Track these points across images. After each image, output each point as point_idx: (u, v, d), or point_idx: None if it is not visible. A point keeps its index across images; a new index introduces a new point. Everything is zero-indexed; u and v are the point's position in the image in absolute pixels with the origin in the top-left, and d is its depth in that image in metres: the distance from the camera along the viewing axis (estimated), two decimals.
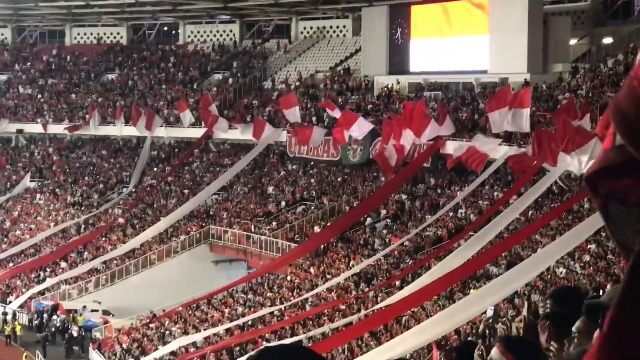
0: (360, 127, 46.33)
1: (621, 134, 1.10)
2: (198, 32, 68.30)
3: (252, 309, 42.55)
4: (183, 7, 64.15)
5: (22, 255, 53.08)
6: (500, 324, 27.09)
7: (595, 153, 30.98)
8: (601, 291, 17.88)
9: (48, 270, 51.20)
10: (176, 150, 59.51)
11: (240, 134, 54.50)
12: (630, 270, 1.03)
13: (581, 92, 42.03)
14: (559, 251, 32.32)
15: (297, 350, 2.05)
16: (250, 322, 40.96)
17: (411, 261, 39.87)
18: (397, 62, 52.55)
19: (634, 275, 1.02)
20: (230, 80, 61.64)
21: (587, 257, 32.58)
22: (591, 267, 31.58)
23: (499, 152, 40.24)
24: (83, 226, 54.57)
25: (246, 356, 30.61)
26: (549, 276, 32.34)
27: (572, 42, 48.65)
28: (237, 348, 38.36)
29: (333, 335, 36.65)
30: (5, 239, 55.15)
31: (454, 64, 49.54)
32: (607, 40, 48.03)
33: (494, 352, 4.58)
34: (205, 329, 41.84)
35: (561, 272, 32.50)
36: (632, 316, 1.03)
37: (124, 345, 42.20)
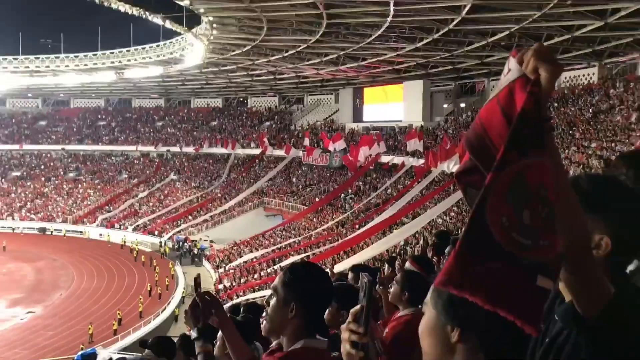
0: (340, 145, 48.76)
1: (468, 151, 1.09)
2: (258, 101, 69.34)
3: (284, 239, 42.53)
4: (251, 90, 65.69)
5: (169, 213, 52.85)
6: (408, 248, 29.10)
7: (456, 161, 33.42)
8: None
9: (182, 220, 51.09)
10: (246, 160, 60.96)
11: (278, 152, 56.07)
12: (470, 216, 0.99)
13: (450, 131, 42.11)
14: (438, 210, 32.37)
15: (311, 264, 2.09)
16: (283, 246, 40.70)
17: (363, 215, 39.60)
18: (357, 115, 54.27)
19: (471, 219, 0.98)
20: (273, 125, 63.62)
21: (453, 214, 31.83)
22: (455, 219, 30.91)
23: (409, 161, 41.13)
24: (199, 198, 54.91)
25: (287, 263, 33.23)
26: (434, 223, 31.57)
27: (445, 105, 48.51)
28: (277, 259, 37.69)
29: (324, 252, 35.44)
30: (160, 205, 55.01)
31: (386, 116, 49.34)
32: (462, 104, 48.67)
33: (407, 264, 4.40)
34: (260, 249, 41.85)
35: (440, 221, 31.78)
36: (467, 243, 0.98)
37: (220, 258, 42.51)
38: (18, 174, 63.81)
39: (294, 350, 1.91)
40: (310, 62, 46.05)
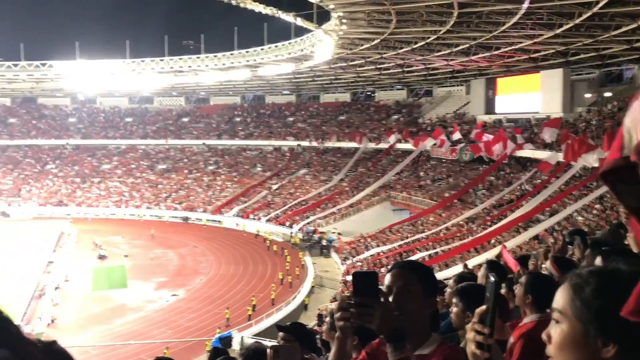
0: (456, 136, 47.80)
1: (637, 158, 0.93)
2: (385, 94, 68.64)
3: (411, 234, 41.58)
4: (379, 83, 65.69)
5: (299, 205, 53.42)
6: (543, 247, 27.97)
7: (596, 156, 31.42)
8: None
9: (311, 212, 51.41)
10: (374, 154, 59.54)
11: (406, 145, 55.54)
12: None
13: (592, 123, 40.20)
14: (577, 207, 31.23)
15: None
16: (410, 241, 39.83)
17: (496, 212, 38.57)
18: (489, 107, 52.43)
19: None
20: (401, 118, 62.94)
21: (595, 211, 30.18)
22: (597, 217, 29.11)
23: (545, 154, 38.63)
24: (327, 191, 55.25)
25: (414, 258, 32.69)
26: (573, 221, 30.11)
27: (587, 95, 45.56)
28: (404, 254, 36.68)
29: (452, 249, 34.40)
30: (291, 197, 55.66)
31: (521, 107, 47.89)
32: (607, 94, 45.25)
33: (547, 263, 4.16)
34: (387, 244, 41.24)
35: (580, 219, 30.07)
36: None
37: (347, 249, 42.54)
38: (164, 166, 69.11)
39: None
40: (440, 54, 45.11)
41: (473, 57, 44.72)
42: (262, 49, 57.56)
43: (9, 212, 58.31)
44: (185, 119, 76.07)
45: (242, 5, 37.15)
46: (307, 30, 47.38)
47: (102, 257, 41.58)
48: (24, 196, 62.17)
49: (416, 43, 42.52)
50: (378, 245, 41.62)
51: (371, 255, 39.67)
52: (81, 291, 34.33)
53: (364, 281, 1.86)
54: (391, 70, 54.84)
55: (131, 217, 58.87)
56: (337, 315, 1.80)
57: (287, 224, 50.93)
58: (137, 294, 34.43)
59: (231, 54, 60.40)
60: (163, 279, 38.20)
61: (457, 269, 24.62)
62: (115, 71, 65.00)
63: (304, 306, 33.00)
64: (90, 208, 60.56)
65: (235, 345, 24.00)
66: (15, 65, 66.72)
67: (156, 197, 62.44)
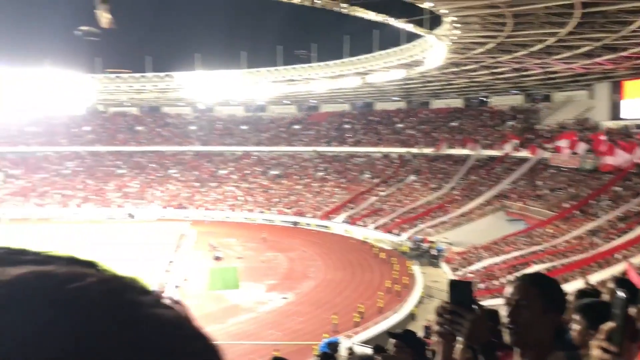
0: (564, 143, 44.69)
1: None
2: (500, 99, 65.79)
3: (527, 246, 39.74)
4: (493, 88, 63.72)
5: (408, 212, 52.54)
6: None
7: None
8: None
9: (420, 221, 50.22)
10: (487, 161, 57.96)
11: (522, 153, 53.30)
12: None
13: None
14: None
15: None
16: (526, 253, 38.19)
17: (622, 224, 36.42)
18: (615, 112, 49.16)
19: None
20: (517, 124, 59.93)
21: None
22: None
23: None
24: (437, 199, 54.42)
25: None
26: None
27: None
28: (519, 267, 34.99)
29: (572, 263, 33.15)
30: (400, 205, 55.30)
31: None
32: None
33: None
34: (501, 255, 39.60)
35: None
36: None
37: (458, 260, 41.46)
38: (276, 172, 71.29)
39: None
40: (560, 56, 42.86)
41: (597, 59, 42.08)
42: (372, 56, 57.82)
43: (134, 214, 62.89)
44: (297, 127, 78.00)
45: (352, 13, 37.57)
46: (418, 36, 46.94)
47: (217, 258, 43.59)
48: (148, 199, 66.74)
49: (534, 46, 40.73)
50: (491, 257, 40.24)
51: (483, 267, 38.53)
52: (198, 290, 35.90)
53: (459, 289, 1.89)
54: (506, 75, 52.92)
55: (245, 220, 61.21)
56: (435, 320, 1.89)
57: (395, 231, 50.47)
58: (249, 295, 35.69)
59: (341, 62, 61.23)
60: (274, 281, 39.27)
61: (577, 284, 23.50)
62: (232, 81, 68.15)
63: (411, 316, 32.54)
64: (207, 211, 63.81)
65: (343, 351, 24.13)
66: (143, 77, 72.19)
67: (268, 202, 64.48)
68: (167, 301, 0.51)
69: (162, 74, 71.86)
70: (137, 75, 72.88)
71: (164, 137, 78.60)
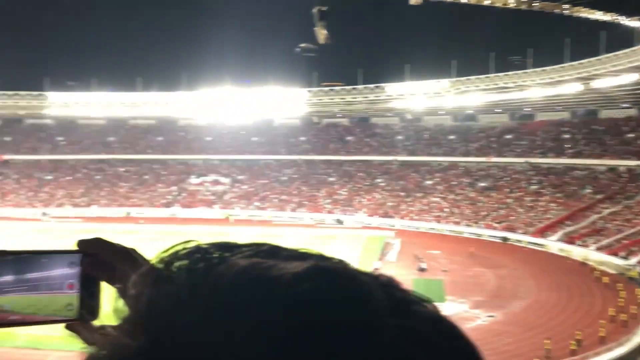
0: None
1: None
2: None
3: None
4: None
5: (636, 233, 48.46)
6: None
7: None
8: None
9: None
10: None
11: None
12: None
13: None
14: None
15: None
16: None
17: None
18: None
19: None
20: None
21: None
22: None
23: None
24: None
25: None
26: None
27: None
28: None
29: None
30: (628, 225, 50.64)
31: None
32: None
33: None
34: None
35: None
36: None
37: None
38: (485, 184, 68.99)
39: None
40: None
41: None
42: (597, 60, 53.06)
43: (342, 220, 65.83)
44: (509, 136, 74.81)
45: (575, 14, 34.81)
46: None
47: (421, 270, 43.52)
48: (355, 206, 69.38)
49: None
50: None
51: None
52: None
53: None
54: None
55: (450, 232, 60.30)
56: None
57: (622, 254, 46.45)
58: (453, 309, 34.94)
59: (561, 67, 57.48)
60: (480, 298, 38.01)
61: None
62: (440, 90, 67.86)
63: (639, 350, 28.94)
64: (412, 221, 64.14)
65: None
66: (354, 89, 75.57)
67: (475, 215, 62.74)
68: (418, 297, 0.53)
69: (372, 86, 74.54)
70: (349, 87, 76.51)
71: (372, 147, 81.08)
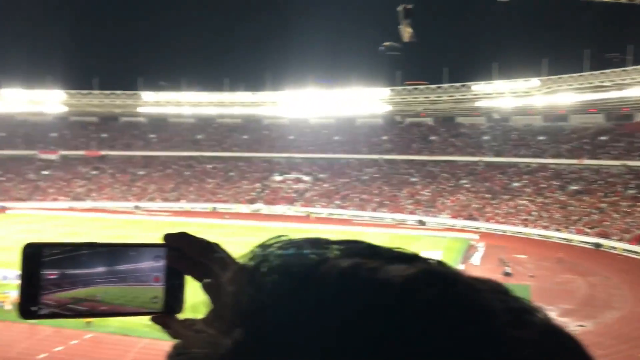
0: None
1: None
2: None
3: None
4: None
5: None
6: None
7: None
8: None
9: None
10: None
11: None
12: None
13: None
14: None
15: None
16: None
17: None
18: None
19: None
20: None
21: None
22: None
23: None
24: None
25: None
26: None
27: None
28: None
29: None
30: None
31: None
32: None
33: None
34: None
35: None
36: None
37: None
38: (576, 187, 65.80)
39: None
40: None
41: None
42: None
43: (425, 221, 64.87)
44: (604, 138, 70.98)
45: None
46: None
47: (507, 275, 42.11)
48: (438, 207, 68.17)
49: None
50: None
51: None
52: None
53: None
54: None
55: (538, 237, 58.06)
56: None
57: None
58: None
59: None
60: (569, 306, 36.32)
61: None
62: (530, 90, 65.37)
63: None
64: (497, 224, 62.21)
65: None
66: (439, 88, 74.28)
67: (566, 220, 60.06)
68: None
69: (458, 85, 72.98)
70: (434, 86, 75.35)
71: (457, 147, 79.36)
